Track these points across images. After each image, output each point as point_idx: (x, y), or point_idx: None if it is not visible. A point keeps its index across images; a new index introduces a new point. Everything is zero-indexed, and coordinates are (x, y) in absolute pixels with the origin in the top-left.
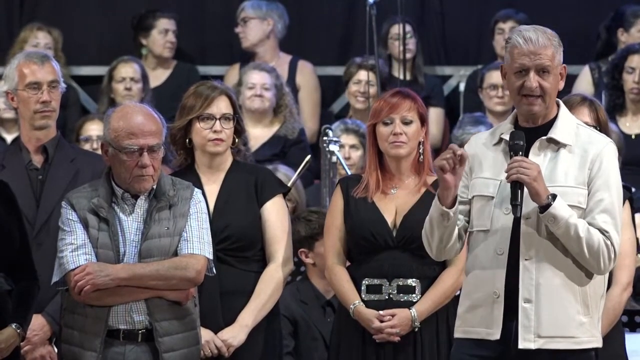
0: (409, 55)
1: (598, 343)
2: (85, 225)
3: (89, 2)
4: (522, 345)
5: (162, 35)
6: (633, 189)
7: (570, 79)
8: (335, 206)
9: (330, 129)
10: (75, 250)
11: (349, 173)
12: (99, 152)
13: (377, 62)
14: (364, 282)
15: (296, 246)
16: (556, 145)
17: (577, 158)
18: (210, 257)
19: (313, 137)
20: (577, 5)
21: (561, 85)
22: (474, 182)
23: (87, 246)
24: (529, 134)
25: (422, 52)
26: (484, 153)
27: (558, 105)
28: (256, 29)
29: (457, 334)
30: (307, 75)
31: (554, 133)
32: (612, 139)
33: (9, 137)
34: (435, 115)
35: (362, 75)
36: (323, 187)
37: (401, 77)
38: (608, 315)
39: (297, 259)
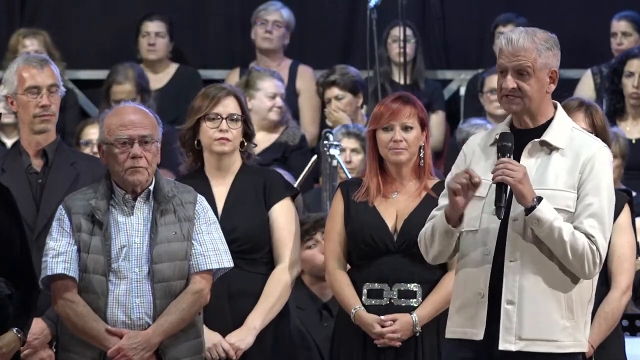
0: (407, 59)
1: (583, 348)
2: (78, 230)
3: (89, 6)
4: (502, 346)
5: (145, 38)
6: (634, 193)
7: (572, 83)
8: (336, 210)
9: (331, 132)
10: (56, 256)
11: (350, 177)
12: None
13: (377, 66)
14: (364, 286)
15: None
16: (549, 148)
17: (569, 161)
18: (231, 264)
19: (313, 141)
20: (578, 10)
21: (551, 88)
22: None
23: (69, 254)
24: (523, 135)
25: (423, 56)
26: (479, 154)
27: (555, 108)
28: (282, 37)
29: (447, 334)
30: (307, 79)
31: (548, 136)
32: (613, 144)
33: (8, 142)
34: (436, 119)
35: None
36: (324, 191)
37: (402, 81)
38: (607, 319)
39: None
